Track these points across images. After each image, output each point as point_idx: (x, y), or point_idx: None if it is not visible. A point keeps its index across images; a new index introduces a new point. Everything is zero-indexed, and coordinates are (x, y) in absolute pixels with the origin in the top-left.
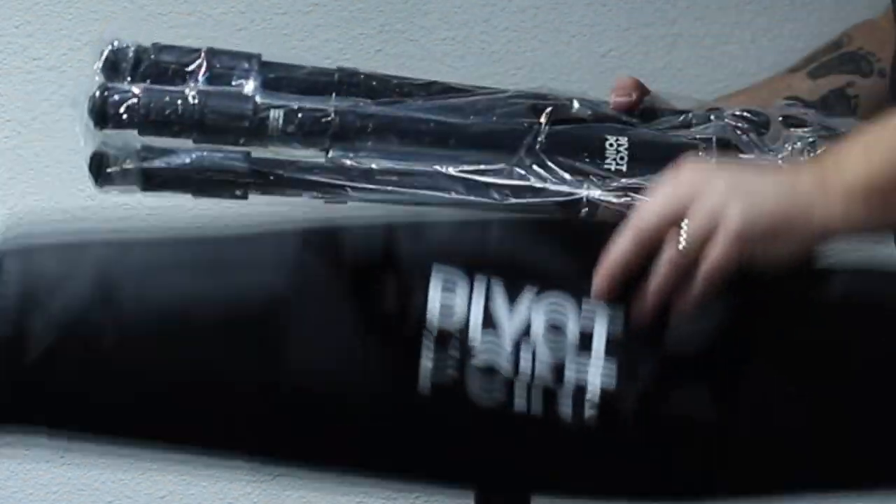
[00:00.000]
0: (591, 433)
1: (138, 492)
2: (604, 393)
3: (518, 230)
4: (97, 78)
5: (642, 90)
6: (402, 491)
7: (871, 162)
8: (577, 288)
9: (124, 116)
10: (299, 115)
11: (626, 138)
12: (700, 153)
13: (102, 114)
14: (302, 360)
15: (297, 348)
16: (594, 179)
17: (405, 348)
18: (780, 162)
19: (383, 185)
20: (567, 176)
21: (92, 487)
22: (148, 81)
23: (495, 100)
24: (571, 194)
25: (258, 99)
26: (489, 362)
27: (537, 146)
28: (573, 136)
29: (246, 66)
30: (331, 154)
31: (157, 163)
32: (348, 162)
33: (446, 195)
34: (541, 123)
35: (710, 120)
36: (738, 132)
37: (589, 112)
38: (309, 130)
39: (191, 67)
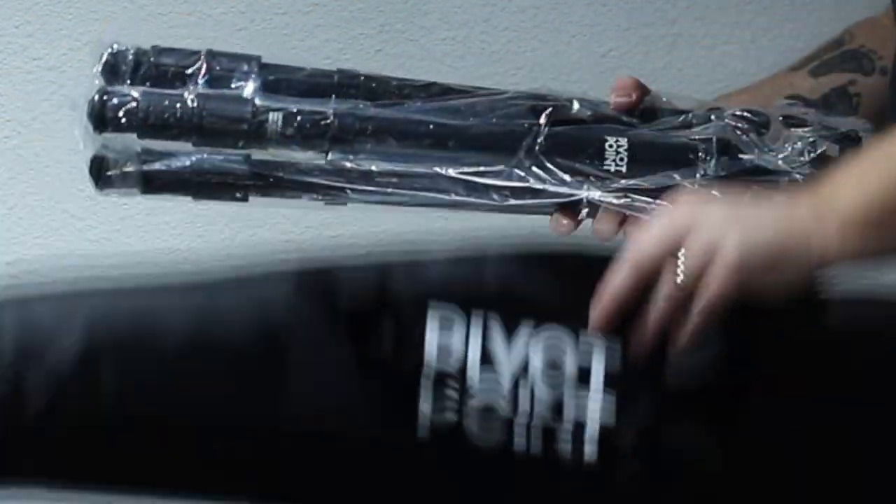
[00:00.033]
0: (591, 470)
1: None
2: (603, 429)
3: (513, 265)
4: (96, 81)
5: (642, 90)
6: None
7: (866, 191)
8: (575, 321)
9: (123, 120)
10: (298, 117)
11: (625, 139)
12: (700, 153)
13: (101, 118)
14: (300, 404)
15: (294, 392)
16: (594, 181)
17: (403, 392)
18: (777, 183)
19: (383, 186)
20: (566, 177)
21: None
22: (147, 84)
23: (495, 101)
24: (571, 195)
25: (257, 102)
26: (488, 402)
27: (537, 148)
28: (573, 137)
29: (246, 68)
30: (330, 156)
31: (158, 165)
32: (348, 164)
33: (446, 197)
34: (540, 125)
35: (710, 120)
36: (739, 132)
37: (589, 113)
38: (308, 133)
39: (190, 70)
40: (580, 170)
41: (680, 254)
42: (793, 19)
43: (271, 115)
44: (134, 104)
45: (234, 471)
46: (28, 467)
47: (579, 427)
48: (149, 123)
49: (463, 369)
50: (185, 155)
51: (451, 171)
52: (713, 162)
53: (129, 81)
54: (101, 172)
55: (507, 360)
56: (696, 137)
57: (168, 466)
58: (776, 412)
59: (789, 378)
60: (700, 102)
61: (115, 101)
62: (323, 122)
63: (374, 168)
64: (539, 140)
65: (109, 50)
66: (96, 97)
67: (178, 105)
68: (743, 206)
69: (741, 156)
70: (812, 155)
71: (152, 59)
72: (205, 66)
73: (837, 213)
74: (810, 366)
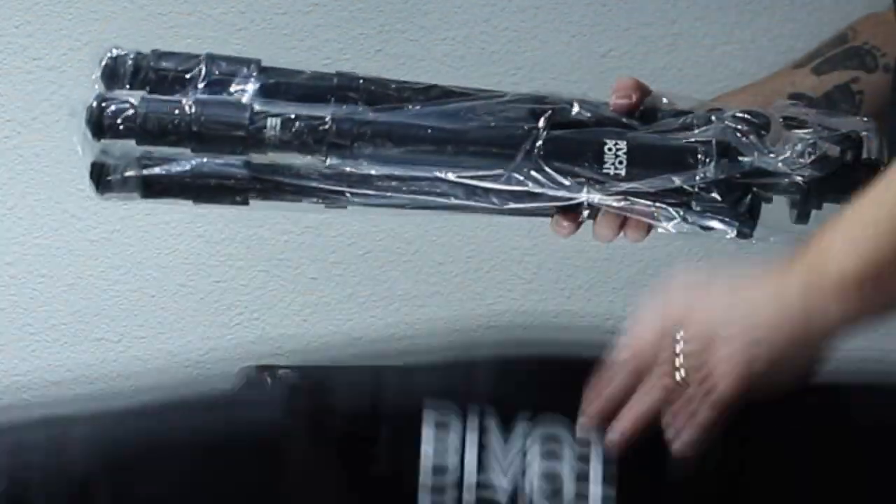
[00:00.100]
0: None
1: None
2: None
3: (505, 366)
4: (96, 87)
5: (643, 91)
6: None
7: (857, 248)
8: (571, 410)
9: (121, 127)
10: (296, 123)
11: (624, 142)
12: (699, 156)
13: (99, 124)
14: None
15: None
16: (593, 184)
17: None
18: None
19: (383, 190)
20: (565, 181)
21: None
22: (147, 89)
23: (494, 104)
24: (570, 199)
25: (255, 107)
26: None
27: (535, 151)
28: (571, 140)
29: (245, 71)
30: (329, 161)
31: (158, 170)
32: (348, 168)
33: (446, 200)
34: (539, 128)
35: (710, 121)
36: (738, 134)
37: (588, 115)
38: (306, 138)
39: (190, 74)
40: (579, 173)
41: (677, 348)
42: (793, 19)
43: (269, 121)
44: (132, 111)
45: None
46: None
47: None
48: (147, 130)
49: (460, 481)
50: (184, 159)
51: (451, 175)
52: (712, 164)
53: (128, 86)
54: (101, 177)
55: (504, 463)
56: (696, 140)
57: None
58: None
59: (793, 472)
60: (701, 102)
61: (113, 107)
62: (321, 127)
63: (373, 172)
64: (538, 144)
65: (109, 54)
66: (94, 104)
67: (177, 111)
68: (734, 291)
69: (741, 158)
70: (812, 156)
71: (152, 63)
72: (204, 69)
73: (831, 279)
74: (811, 456)
